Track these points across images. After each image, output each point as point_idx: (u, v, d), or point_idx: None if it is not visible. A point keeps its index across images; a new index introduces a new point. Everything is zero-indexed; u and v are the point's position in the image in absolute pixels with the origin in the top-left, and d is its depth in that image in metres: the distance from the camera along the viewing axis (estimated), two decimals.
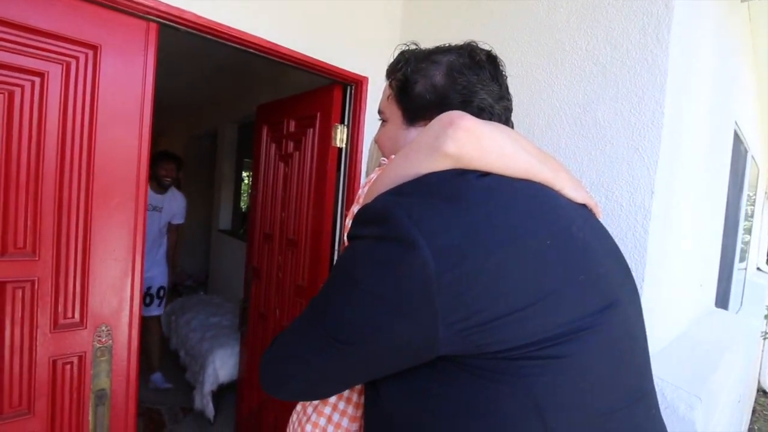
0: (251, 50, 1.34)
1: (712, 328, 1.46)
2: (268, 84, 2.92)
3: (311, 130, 1.72)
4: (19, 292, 1.00)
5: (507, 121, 0.65)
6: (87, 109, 1.06)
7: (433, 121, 0.51)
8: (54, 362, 1.05)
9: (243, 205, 4.50)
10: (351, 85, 1.59)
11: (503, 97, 0.63)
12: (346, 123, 1.61)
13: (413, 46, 0.68)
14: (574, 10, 1.05)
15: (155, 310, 2.79)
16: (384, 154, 0.70)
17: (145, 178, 1.16)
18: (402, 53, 0.67)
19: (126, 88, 1.11)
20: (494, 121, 0.61)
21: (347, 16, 1.50)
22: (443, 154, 0.47)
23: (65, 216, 1.05)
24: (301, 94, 1.81)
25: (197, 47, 2.36)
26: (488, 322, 0.40)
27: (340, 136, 1.60)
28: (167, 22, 1.16)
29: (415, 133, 0.64)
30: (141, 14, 1.11)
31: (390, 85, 0.67)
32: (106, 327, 1.12)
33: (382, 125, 0.72)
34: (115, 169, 1.12)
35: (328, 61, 1.46)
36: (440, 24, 1.46)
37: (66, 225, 1.05)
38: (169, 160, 2.71)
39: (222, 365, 2.38)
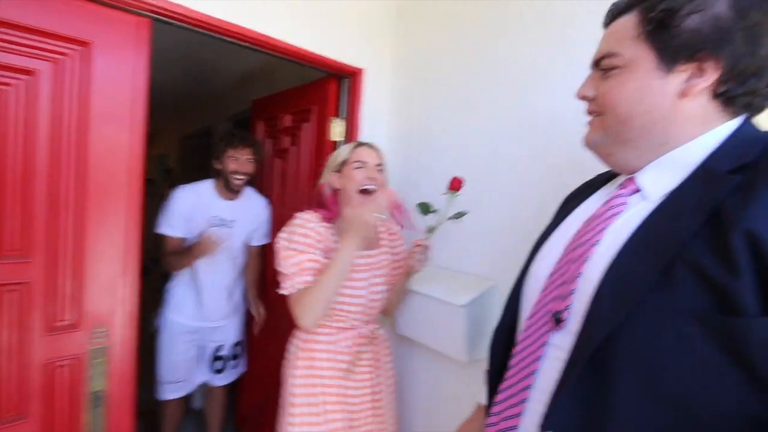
0: (244, 43, 1.31)
1: None
2: (262, 79, 2.89)
3: (307, 124, 1.70)
4: (12, 296, 0.98)
5: None
6: (79, 107, 1.04)
7: None
8: (48, 365, 1.03)
9: None
10: (346, 78, 1.57)
11: None
12: (342, 116, 1.59)
13: None
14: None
15: (228, 377, 1.88)
16: (618, 111, 0.55)
17: (139, 176, 1.14)
18: None
19: (119, 85, 1.09)
20: (758, 81, 0.49)
21: (341, 7, 1.48)
22: None
23: (58, 217, 1.03)
24: (296, 88, 1.79)
25: (187, 42, 2.33)
26: None
27: (337, 130, 1.58)
28: (159, 17, 1.13)
29: (676, 83, 0.50)
30: (132, 9, 1.09)
31: (641, 20, 0.52)
32: (101, 328, 1.10)
33: (603, 75, 0.57)
34: (108, 168, 1.10)
35: (322, 53, 1.44)
36: (437, 13, 1.44)
37: (59, 226, 1.03)
38: (242, 145, 1.70)
39: None
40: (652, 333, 0.44)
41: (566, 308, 0.53)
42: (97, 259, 1.08)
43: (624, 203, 0.55)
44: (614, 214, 0.55)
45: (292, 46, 1.36)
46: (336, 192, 1.18)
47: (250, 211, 1.81)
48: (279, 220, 1.90)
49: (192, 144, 4.26)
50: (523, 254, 1.12)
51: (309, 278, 1.03)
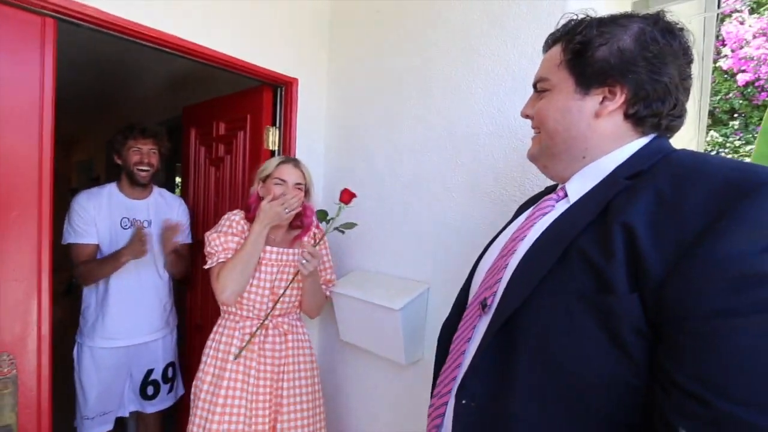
0: (170, 50, 1.27)
1: None
2: (195, 84, 2.77)
3: (242, 132, 1.67)
4: None
5: (683, 104, 0.59)
6: None
7: None
8: None
9: None
10: (281, 87, 1.57)
11: (688, 76, 0.58)
12: (277, 125, 1.58)
13: (583, 15, 0.63)
14: (486, 19, 1.13)
15: (162, 402, 1.71)
16: (547, 127, 0.63)
17: (49, 187, 1.06)
18: (578, 19, 0.62)
19: (20, 89, 1.01)
20: (663, 105, 0.57)
21: (275, 18, 1.47)
22: None
23: None
24: (230, 96, 1.75)
25: (112, 45, 2.19)
26: None
27: (272, 139, 1.57)
28: (66, 18, 1.06)
29: (591, 104, 0.58)
30: (35, 8, 1.01)
31: (563, 49, 0.61)
32: (8, 356, 1.01)
33: (538, 96, 0.66)
34: (11, 179, 1.01)
35: (255, 63, 1.42)
36: (368, 29, 1.49)
37: None
38: (143, 136, 1.61)
39: None
40: (548, 310, 0.51)
41: (492, 295, 0.60)
42: (1, 280, 0.99)
43: (552, 206, 0.63)
44: (542, 214, 0.63)
45: (224, 54, 1.34)
46: (257, 197, 1.31)
47: (166, 209, 1.70)
48: None
49: None
50: (454, 256, 1.20)
51: (230, 255, 1.20)
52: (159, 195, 1.72)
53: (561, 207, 0.61)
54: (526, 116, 0.69)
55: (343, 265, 1.55)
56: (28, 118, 1.03)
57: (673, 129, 0.60)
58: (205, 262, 1.24)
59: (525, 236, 0.61)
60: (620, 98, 0.57)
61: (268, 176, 1.28)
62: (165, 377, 1.71)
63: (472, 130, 1.16)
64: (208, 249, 1.23)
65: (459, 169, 1.20)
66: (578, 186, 0.60)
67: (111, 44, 2.01)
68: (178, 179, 4.70)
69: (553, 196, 0.65)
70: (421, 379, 1.28)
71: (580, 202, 0.57)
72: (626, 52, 0.56)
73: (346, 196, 1.21)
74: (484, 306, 0.61)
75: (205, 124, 1.87)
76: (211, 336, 1.29)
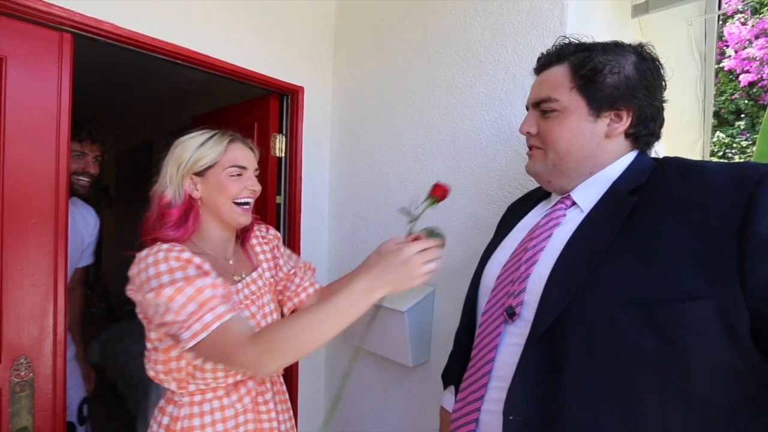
0: (180, 62, 1.31)
1: None
2: (205, 94, 2.83)
3: (249, 140, 1.69)
4: None
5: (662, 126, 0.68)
6: None
7: None
8: None
9: None
10: (287, 95, 1.60)
11: (664, 101, 0.67)
12: (284, 132, 1.62)
13: (572, 39, 0.69)
14: (487, 25, 1.16)
15: None
16: (558, 148, 0.66)
17: (65, 195, 1.10)
18: (576, 43, 0.68)
19: (38, 101, 1.05)
20: (656, 125, 0.66)
21: (281, 28, 1.51)
22: None
23: None
24: (237, 105, 1.79)
25: (123, 57, 2.25)
26: None
27: (279, 146, 1.61)
28: (83, 33, 1.11)
29: (602, 126, 0.64)
30: (53, 25, 1.06)
31: (573, 75, 0.65)
32: (25, 359, 1.04)
33: (543, 115, 0.68)
34: (30, 188, 1.05)
35: (262, 72, 1.46)
36: (372, 37, 1.52)
37: None
38: (90, 140, 1.31)
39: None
40: (590, 317, 0.54)
41: (519, 304, 0.63)
42: (19, 285, 1.02)
43: (563, 215, 0.67)
44: (556, 224, 0.66)
45: (231, 64, 1.38)
46: (191, 202, 0.83)
47: (80, 224, 1.35)
48: None
49: (128, 160, 4.04)
50: (458, 258, 1.22)
51: (223, 308, 0.69)
52: (72, 205, 1.33)
53: (572, 215, 0.65)
54: (527, 133, 0.71)
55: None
56: (46, 130, 1.06)
57: (652, 143, 0.69)
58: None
59: (544, 246, 0.64)
60: (627, 120, 0.64)
61: (210, 166, 0.81)
62: (80, 417, 1.33)
63: (475, 133, 1.18)
64: (171, 317, 0.67)
65: (462, 173, 1.22)
66: (586, 194, 0.65)
67: (120, 56, 2.07)
68: None
69: (560, 205, 0.68)
70: (428, 382, 1.29)
71: (594, 214, 0.61)
72: (631, 80, 0.63)
73: (439, 191, 0.91)
74: (511, 315, 0.63)
75: None
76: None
